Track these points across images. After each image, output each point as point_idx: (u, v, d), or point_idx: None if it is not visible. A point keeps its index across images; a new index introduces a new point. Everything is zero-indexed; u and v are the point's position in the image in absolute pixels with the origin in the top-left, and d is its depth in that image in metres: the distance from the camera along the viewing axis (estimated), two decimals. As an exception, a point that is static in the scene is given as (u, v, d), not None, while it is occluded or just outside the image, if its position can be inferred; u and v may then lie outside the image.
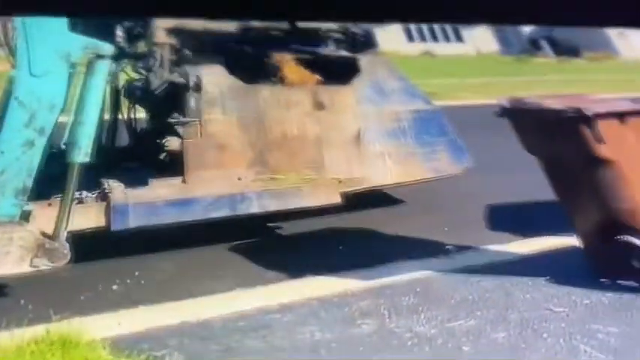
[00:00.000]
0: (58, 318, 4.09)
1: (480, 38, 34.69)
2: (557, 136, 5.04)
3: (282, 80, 6.19)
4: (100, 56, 4.63)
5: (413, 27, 35.91)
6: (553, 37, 35.23)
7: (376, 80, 6.77)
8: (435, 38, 34.98)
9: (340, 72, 6.46)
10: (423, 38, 35.31)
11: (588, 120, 4.77)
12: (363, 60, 6.63)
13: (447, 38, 35.20)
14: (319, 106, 6.28)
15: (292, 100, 6.16)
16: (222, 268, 5.22)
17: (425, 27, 35.84)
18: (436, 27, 35.62)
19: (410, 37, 35.28)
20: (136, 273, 5.01)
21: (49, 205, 4.76)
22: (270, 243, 5.91)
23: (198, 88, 5.50)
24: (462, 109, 11.50)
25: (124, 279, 4.92)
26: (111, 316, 4.35)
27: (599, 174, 4.94)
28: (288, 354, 3.96)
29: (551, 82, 16.62)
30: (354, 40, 7.01)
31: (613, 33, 32.97)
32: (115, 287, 4.82)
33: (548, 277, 5.10)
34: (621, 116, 4.98)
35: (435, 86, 13.06)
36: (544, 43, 34.40)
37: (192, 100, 5.50)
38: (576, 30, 33.77)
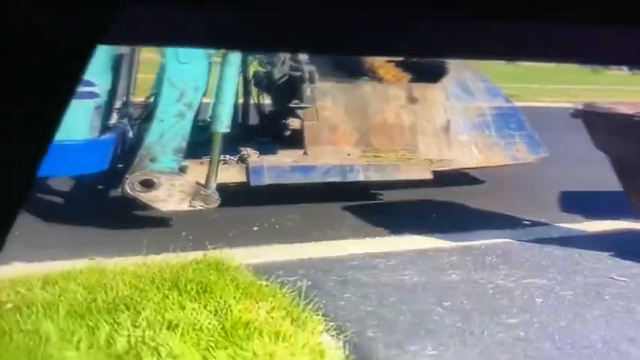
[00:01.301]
0: (213, 247, 4.61)
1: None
2: (624, 137, 5.16)
3: (379, 79, 6.56)
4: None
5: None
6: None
7: (462, 80, 7.03)
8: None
9: (430, 72, 6.75)
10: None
11: (654, 123, 4.84)
12: (451, 63, 6.86)
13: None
14: (413, 100, 6.63)
15: (390, 94, 6.54)
16: (338, 222, 5.66)
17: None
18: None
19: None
20: (272, 219, 5.53)
21: (201, 163, 5.36)
22: (375, 206, 6.27)
23: (312, 80, 5.94)
24: (541, 110, 11.46)
25: (263, 223, 5.45)
26: (253, 249, 4.85)
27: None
28: (392, 289, 4.35)
29: (623, 92, 16.13)
30: None
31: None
32: (255, 228, 5.36)
33: (611, 253, 5.23)
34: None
35: (518, 90, 13.01)
36: (618, 57, 32.93)
37: (307, 90, 5.96)
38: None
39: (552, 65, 30.97)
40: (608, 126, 5.34)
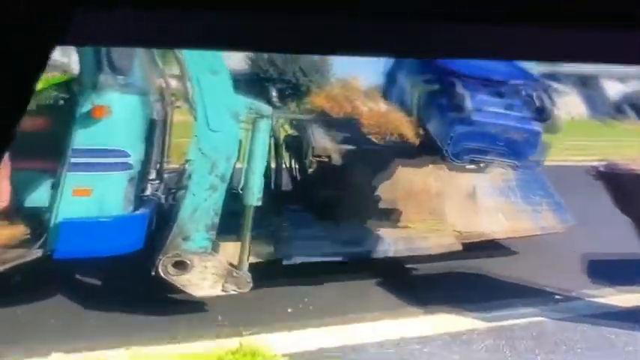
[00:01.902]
0: (248, 333, 4.42)
1: (571, 104, 33.46)
2: None
3: (405, 141, 6.31)
4: (261, 116, 4.85)
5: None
6: (636, 103, 33.47)
7: None
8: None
9: None
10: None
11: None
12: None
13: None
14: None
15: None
16: (372, 300, 5.42)
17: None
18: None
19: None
20: (305, 299, 5.28)
21: (234, 239, 5.00)
22: (407, 280, 5.99)
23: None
24: (560, 169, 11.25)
25: (297, 304, 5.20)
26: (288, 335, 4.64)
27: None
28: (431, 380, 4.13)
29: (637, 145, 15.92)
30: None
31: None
32: (289, 310, 5.11)
33: (646, 332, 4.98)
34: None
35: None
36: (627, 109, 32.67)
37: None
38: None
39: (565, 118, 30.79)
40: (626, 186, 5.12)
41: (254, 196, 4.83)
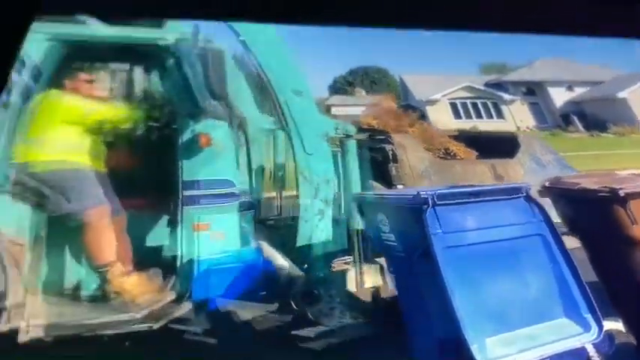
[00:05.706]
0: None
1: (518, 113, 34.47)
2: (592, 216, 4.71)
3: (453, 156, 6.33)
4: (348, 136, 4.81)
5: (459, 104, 35.97)
6: (583, 112, 34.77)
7: (534, 154, 6.68)
8: (478, 115, 34.91)
9: (500, 147, 6.51)
10: (468, 115, 35.51)
11: (622, 200, 4.30)
12: (521, 136, 6.81)
13: (489, 115, 35.05)
14: (499, 177, 6.30)
15: (477, 172, 6.05)
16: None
17: (469, 104, 35.78)
18: (479, 104, 35.48)
19: (457, 114, 35.56)
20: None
21: (346, 263, 4.79)
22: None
23: (395, 159, 5.46)
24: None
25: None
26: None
27: (634, 255, 4.39)
28: None
29: (583, 157, 16.47)
30: None
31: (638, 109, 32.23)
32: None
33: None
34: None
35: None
36: (574, 118, 33.96)
37: (393, 169, 5.43)
38: (604, 105, 33.29)
39: (512, 130, 31.57)
40: (574, 204, 4.86)
41: (357, 220, 4.63)
